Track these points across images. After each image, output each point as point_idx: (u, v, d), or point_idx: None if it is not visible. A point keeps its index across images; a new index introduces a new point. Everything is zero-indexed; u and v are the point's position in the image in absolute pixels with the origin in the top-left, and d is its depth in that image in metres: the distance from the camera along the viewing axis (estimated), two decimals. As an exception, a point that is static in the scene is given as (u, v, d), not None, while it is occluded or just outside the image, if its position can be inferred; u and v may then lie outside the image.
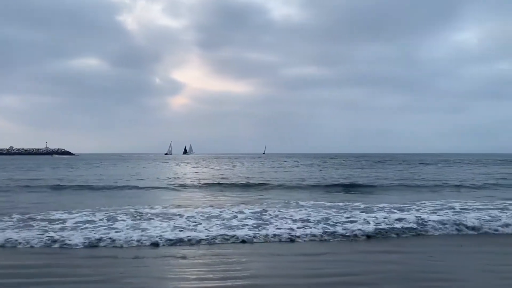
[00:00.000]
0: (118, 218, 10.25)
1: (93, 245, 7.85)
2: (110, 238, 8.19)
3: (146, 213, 11.07)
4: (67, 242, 7.93)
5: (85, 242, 7.93)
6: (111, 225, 9.49)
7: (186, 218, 10.31)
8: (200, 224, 9.64)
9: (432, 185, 21.21)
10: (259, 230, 8.93)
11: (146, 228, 9.07)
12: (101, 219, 10.13)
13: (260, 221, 9.99)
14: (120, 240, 8.07)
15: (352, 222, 9.96)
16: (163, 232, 8.72)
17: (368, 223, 9.81)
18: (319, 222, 9.87)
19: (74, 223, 9.64)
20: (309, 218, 10.35)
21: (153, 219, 10.25)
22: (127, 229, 9.00)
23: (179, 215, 10.85)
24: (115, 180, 24.58)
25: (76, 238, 8.14)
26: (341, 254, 7.39)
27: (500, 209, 12.10)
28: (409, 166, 45.16)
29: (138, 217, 10.45)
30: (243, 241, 8.20)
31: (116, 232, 8.67)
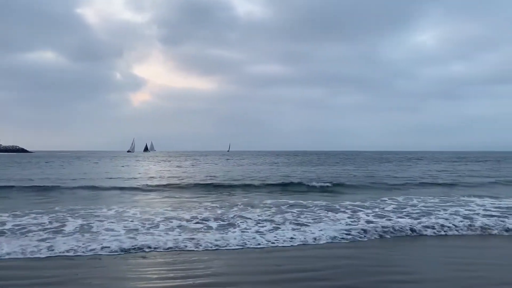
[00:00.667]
0: (67, 221, 9.96)
1: (39, 249, 7.39)
2: (54, 243, 7.77)
3: (99, 215, 10.89)
4: (3, 247, 7.45)
5: (24, 248, 7.37)
6: (60, 227, 9.22)
7: (142, 220, 10.17)
8: (158, 226, 9.45)
9: (393, 182, 22.07)
10: (225, 233, 8.80)
11: (97, 232, 8.82)
12: (50, 222, 9.84)
13: (224, 222, 10.03)
14: (65, 245, 7.58)
15: (315, 221, 10.19)
16: (115, 236, 8.40)
17: (332, 222, 10.06)
18: (284, 222, 9.99)
19: (16, 226, 9.28)
20: (273, 219, 10.51)
21: (105, 221, 10.03)
22: (76, 232, 8.74)
23: (135, 217, 10.72)
24: (69, 179, 23.74)
25: (20, 242, 7.78)
26: (304, 250, 7.66)
27: (462, 206, 13.01)
28: (370, 164, 46.56)
29: (91, 219, 10.21)
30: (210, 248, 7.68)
31: (62, 236, 8.37)
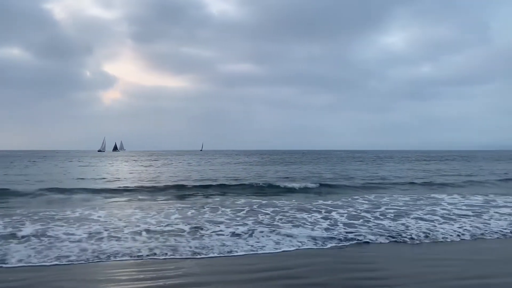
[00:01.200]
0: (25, 226, 9.60)
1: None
2: (8, 250, 7.39)
3: (61, 219, 10.63)
4: None
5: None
6: (14, 232, 8.85)
7: (108, 224, 9.96)
8: (122, 230, 9.27)
9: (365, 181, 22.65)
10: (198, 236, 8.72)
11: (55, 236, 8.55)
12: (5, 227, 9.48)
13: (195, 225, 9.95)
14: (18, 253, 7.15)
15: (289, 222, 10.39)
16: (75, 242, 8.10)
17: (305, 222, 10.31)
18: (257, 223, 10.28)
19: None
20: (246, 220, 10.67)
21: (66, 225, 9.74)
22: (34, 237, 8.41)
23: (100, 220, 10.53)
24: (33, 180, 23.02)
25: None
26: (278, 250, 7.58)
27: (434, 204, 13.67)
28: (342, 163, 47.51)
29: (51, 223, 9.92)
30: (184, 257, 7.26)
31: (17, 243, 7.93)
